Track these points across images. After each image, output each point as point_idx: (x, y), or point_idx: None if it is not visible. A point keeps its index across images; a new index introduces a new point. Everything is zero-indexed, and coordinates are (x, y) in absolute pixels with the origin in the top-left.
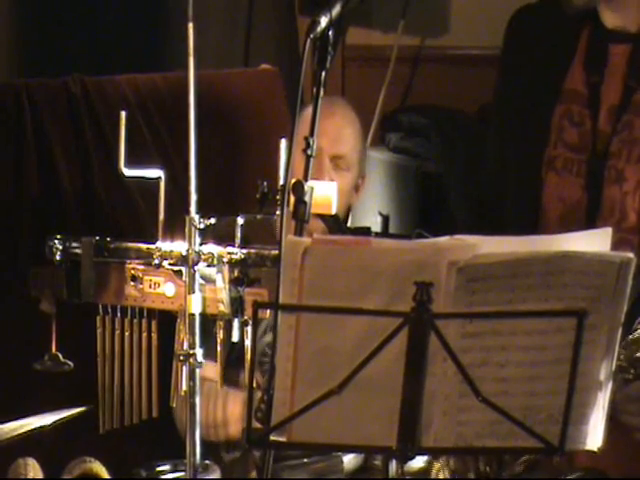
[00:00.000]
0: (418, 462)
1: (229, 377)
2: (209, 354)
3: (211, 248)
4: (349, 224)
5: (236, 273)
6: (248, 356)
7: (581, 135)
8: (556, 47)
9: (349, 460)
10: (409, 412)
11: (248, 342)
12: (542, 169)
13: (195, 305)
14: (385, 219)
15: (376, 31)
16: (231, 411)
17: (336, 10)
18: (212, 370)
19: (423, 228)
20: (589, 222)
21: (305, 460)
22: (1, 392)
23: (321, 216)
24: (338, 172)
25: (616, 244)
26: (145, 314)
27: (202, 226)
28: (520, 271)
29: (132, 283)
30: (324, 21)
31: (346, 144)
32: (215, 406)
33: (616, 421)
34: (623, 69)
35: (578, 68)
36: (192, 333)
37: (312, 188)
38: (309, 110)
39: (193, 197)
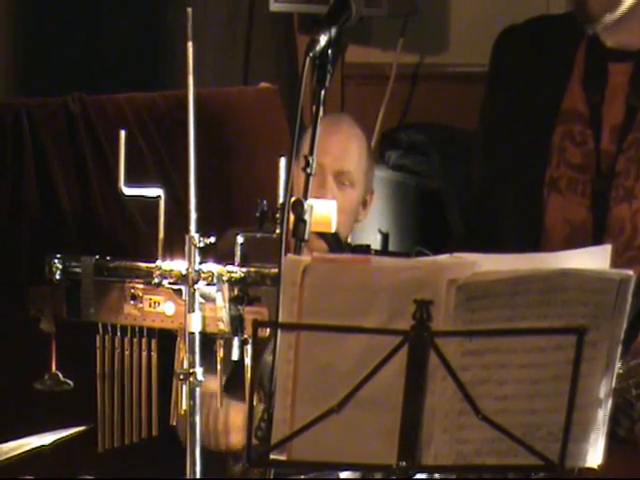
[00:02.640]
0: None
1: (231, 393)
2: (209, 372)
3: (211, 267)
4: (349, 242)
5: (236, 292)
6: (248, 375)
7: (584, 155)
8: (551, 67)
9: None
10: (409, 430)
11: (248, 360)
12: (543, 191)
13: (195, 324)
14: (385, 237)
15: (375, 49)
16: (233, 420)
17: (335, 28)
18: (214, 384)
19: (423, 245)
20: (595, 242)
21: (302, 477)
22: (1, 411)
23: (321, 234)
24: (342, 190)
25: (627, 263)
26: (145, 333)
27: (202, 245)
28: (520, 289)
29: (132, 302)
30: (323, 39)
31: (350, 161)
32: (217, 415)
33: (635, 445)
34: (625, 88)
35: (577, 88)
36: (192, 352)
37: (311, 206)
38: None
39: (193, 216)
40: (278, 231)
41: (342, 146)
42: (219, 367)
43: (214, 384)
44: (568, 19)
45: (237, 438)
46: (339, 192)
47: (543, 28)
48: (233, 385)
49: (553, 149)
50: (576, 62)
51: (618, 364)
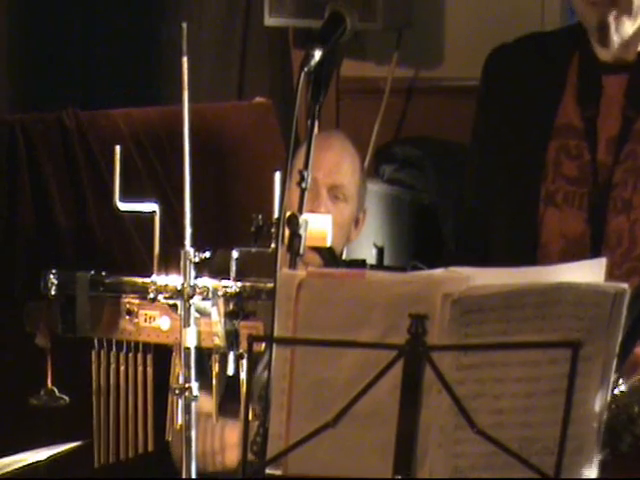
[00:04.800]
0: None
1: (226, 411)
2: (204, 388)
3: (206, 281)
4: (344, 256)
5: (231, 306)
6: (243, 389)
7: (580, 168)
8: (543, 83)
9: None
10: (404, 444)
11: (243, 375)
12: (539, 206)
13: (190, 339)
14: (380, 251)
15: (370, 63)
16: (228, 439)
17: (329, 43)
18: (208, 403)
19: (418, 260)
20: (593, 255)
21: None
22: None
23: (316, 249)
24: (335, 203)
25: (626, 274)
26: (140, 348)
27: (197, 260)
28: (514, 302)
29: (127, 317)
30: (318, 54)
31: (343, 175)
32: (212, 435)
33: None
34: (620, 99)
35: (571, 102)
36: (187, 367)
37: (306, 221)
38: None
39: (188, 231)
40: (273, 246)
41: (335, 161)
42: (214, 382)
43: (208, 404)
44: (559, 35)
45: (232, 457)
46: (333, 206)
47: (534, 45)
48: (227, 403)
49: (548, 164)
50: (569, 76)
51: (620, 380)
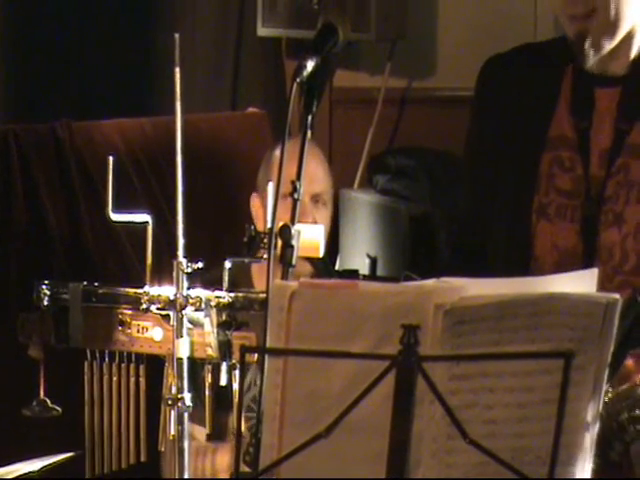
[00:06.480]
0: None
1: (218, 421)
2: (196, 399)
3: (199, 292)
4: (337, 267)
5: (224, 317)
6: (236, 400)
7: (573, 180)
8: (537, 95)
9: None
10: (397, 454)
11: (236, 386)
12: (532, 218)
13: (183, 349)
14: (373, 261)
15: (363, 73)
16: (220, 462)
17: (323, 54)
18: (200, 433)
19: (411, 270)
20: (585, 267)
21: None
22: None
23: (309, 259)
24: (318, 210)
25: (617, 288)
26: (133, 359)
27: (190, 270)
28: (507, 313)
29: (120, 328)
30: (310, 65)
31: (321, 182)
32: (204, 460)
33: (632, 474)
34: (612, 112)
35: (564, 114)
36: (180, 377)
37: (299, 232)
38: (276, 153)
39: (181, 241)
40: (266, 256)
41: (312, 170)
42: (207, 392)
43: (199, 434)
44: (553, 46)
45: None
46: (317, 213)
47: (528, 56)
48: (218, 414)
49: (542, 176)
50: (562, 88)
51: (606, 388)
